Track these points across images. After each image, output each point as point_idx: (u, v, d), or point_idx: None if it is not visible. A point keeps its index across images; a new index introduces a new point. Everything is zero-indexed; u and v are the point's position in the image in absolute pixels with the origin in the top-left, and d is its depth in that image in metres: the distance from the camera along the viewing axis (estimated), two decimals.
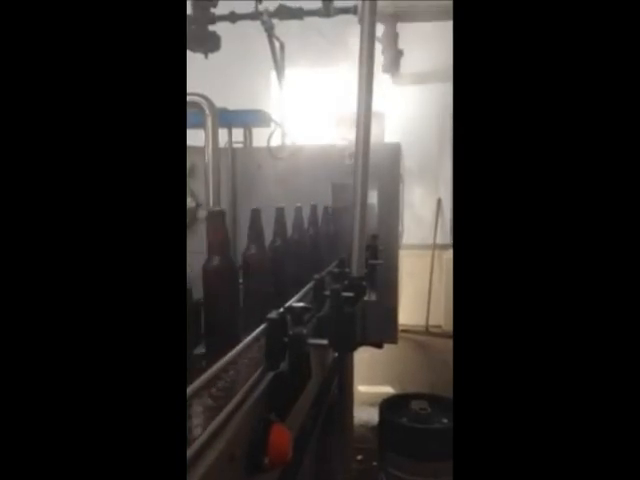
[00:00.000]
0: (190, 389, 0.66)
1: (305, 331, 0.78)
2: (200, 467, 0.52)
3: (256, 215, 1.13)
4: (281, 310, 0.77)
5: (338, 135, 2.94)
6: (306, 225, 1.68)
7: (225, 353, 0.80)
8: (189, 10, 3.11)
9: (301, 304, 0.85)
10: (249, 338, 0.88)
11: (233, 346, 0.83)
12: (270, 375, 0.75)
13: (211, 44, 3.14)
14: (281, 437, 0.67)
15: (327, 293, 1.11)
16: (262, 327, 0.88)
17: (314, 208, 1.79)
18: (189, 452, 0.51)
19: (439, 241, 5.46)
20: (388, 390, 3.53)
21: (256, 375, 0.73)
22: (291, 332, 0.76)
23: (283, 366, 0.75)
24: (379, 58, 4.17)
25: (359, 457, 2.69)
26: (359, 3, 1.41)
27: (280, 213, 1.39)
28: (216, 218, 0.93)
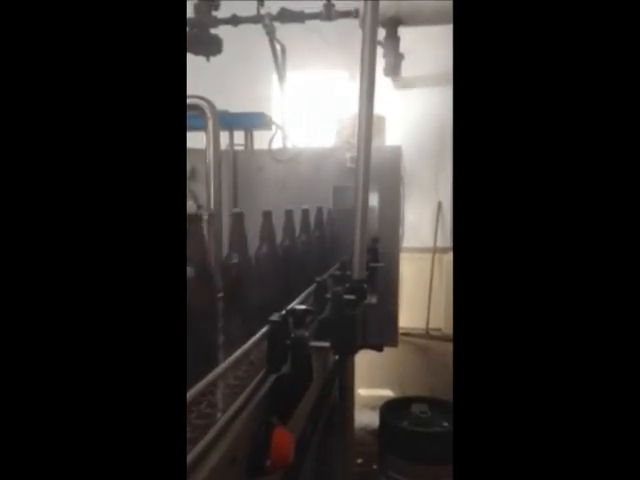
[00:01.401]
0: (191, 393, 0.66)
1: (307, 334, 0.78)
2: (202, 470, 0.52)
3: (238, 219, 1.07)
4: (283, 313, 0.77)
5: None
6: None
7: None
8: (191, 13, 3.12)
9: (303, 306, 0.85)
10: (251, 341, 0.88)
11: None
12: (272, 378, 0.75)
13: (213, 47, 3.15)
14: (283, 440, 0.67)
15: (328, 296, 1.12)
16: (264, 330, 0.88)
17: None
18: (191, 455, 0.51)
19: (439, 244, 5.45)
20: (388, 393, 3.52)
21: (258, 378, 0.73)
22: (293, 335, 0.76)
23: (285, 369, 0.75)
24: (380, 62, 4.18)
25: (359, 460, 2.68)
26: (360, 4, 1.41)
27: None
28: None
